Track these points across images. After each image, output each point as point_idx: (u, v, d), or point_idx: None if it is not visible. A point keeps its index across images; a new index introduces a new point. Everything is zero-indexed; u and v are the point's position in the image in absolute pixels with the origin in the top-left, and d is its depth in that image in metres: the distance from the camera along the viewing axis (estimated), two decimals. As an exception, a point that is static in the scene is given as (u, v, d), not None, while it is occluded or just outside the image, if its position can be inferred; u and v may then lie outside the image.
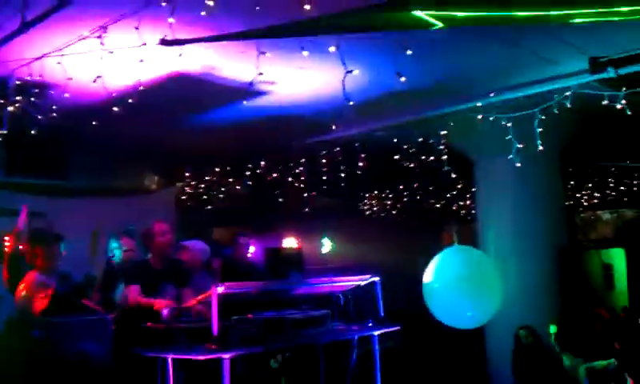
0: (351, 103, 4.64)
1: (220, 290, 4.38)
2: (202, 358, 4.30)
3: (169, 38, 4.30)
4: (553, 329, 7.04)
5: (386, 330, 5.79)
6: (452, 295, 6.36)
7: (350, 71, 4.40)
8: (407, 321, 6.04)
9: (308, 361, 5.98)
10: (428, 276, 6.44)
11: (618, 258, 9.72)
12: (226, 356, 4.24)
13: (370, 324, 5.80)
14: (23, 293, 4.66)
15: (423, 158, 8.17)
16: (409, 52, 4.24)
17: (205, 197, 10.58)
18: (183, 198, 10.50)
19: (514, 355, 7.09)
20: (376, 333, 5.77)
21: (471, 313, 6.40)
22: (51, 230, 6.66)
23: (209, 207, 10.45)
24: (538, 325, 7.27)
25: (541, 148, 6.64)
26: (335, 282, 5.55)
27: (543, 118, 6.67)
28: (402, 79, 4.34)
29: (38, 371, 4.33)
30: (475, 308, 6.40)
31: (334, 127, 5.85)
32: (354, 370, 5.73)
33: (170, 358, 4.41)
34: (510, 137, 6.66)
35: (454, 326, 6.67)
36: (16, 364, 4.41)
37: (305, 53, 4.35)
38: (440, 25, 3.40)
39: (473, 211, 14.52)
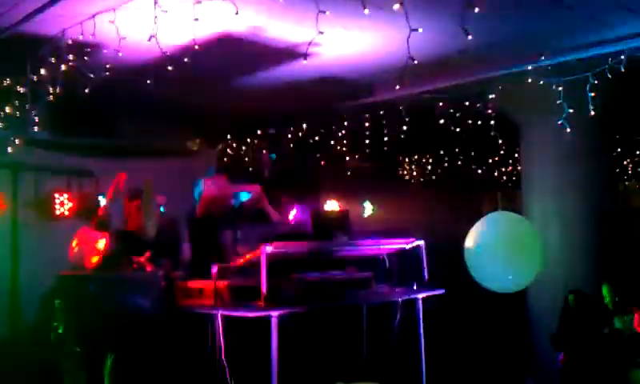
0: (415, 61, 4.54)
1: (269, 249, 4.42)
2: (250, 315, 4.36)
3: None
4: (605, 290, 7.00)
5: (430, 293, 5.81)
6: (493, 259, 6.35)
7: (415, 29, 4.29)
8: (449, 285, 6.04)
9: (351, 322, 6.04)
10: (469, 241, 6.43)
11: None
12: (275, 314, 4.29)
13: (414, 287, 5.82)
14: (76, 248, 4.73)
15: (469, 122, 8.03)
16: (476, 10, 4.10)
17: (246, 159, 10.61)
18: (225, 160, 10.55)
19: (560, 319, 7.11)
20: (420, 296, 5.78)
21: (512, 276, 6.41)
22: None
23: (250, 169, 10.48)
24: (581, 288, 7.25)
25: (592, 113, 6.47)
26: (381, 245, 5.55)
27: (595, 82, 6.50)
28: (469, 37, 4.21)
29: (92, 325, 4.45)
30: (515, 272, 6.39)
31: (397, 87, 5.74)
32: (397, 332, 5.76)
33: (219, 314, 4.49)
34: (559, 101, 6.49)
35: (494, 289, 6.67)
36: (72, 318, 4.54)
37: (366, 11, 4.26)
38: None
39: (514, 178, 14.36)
